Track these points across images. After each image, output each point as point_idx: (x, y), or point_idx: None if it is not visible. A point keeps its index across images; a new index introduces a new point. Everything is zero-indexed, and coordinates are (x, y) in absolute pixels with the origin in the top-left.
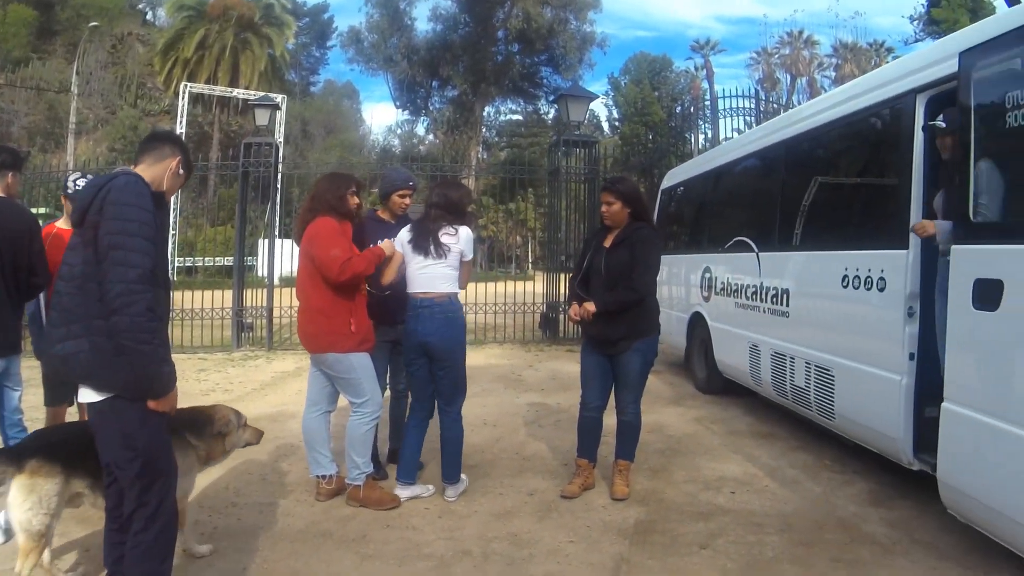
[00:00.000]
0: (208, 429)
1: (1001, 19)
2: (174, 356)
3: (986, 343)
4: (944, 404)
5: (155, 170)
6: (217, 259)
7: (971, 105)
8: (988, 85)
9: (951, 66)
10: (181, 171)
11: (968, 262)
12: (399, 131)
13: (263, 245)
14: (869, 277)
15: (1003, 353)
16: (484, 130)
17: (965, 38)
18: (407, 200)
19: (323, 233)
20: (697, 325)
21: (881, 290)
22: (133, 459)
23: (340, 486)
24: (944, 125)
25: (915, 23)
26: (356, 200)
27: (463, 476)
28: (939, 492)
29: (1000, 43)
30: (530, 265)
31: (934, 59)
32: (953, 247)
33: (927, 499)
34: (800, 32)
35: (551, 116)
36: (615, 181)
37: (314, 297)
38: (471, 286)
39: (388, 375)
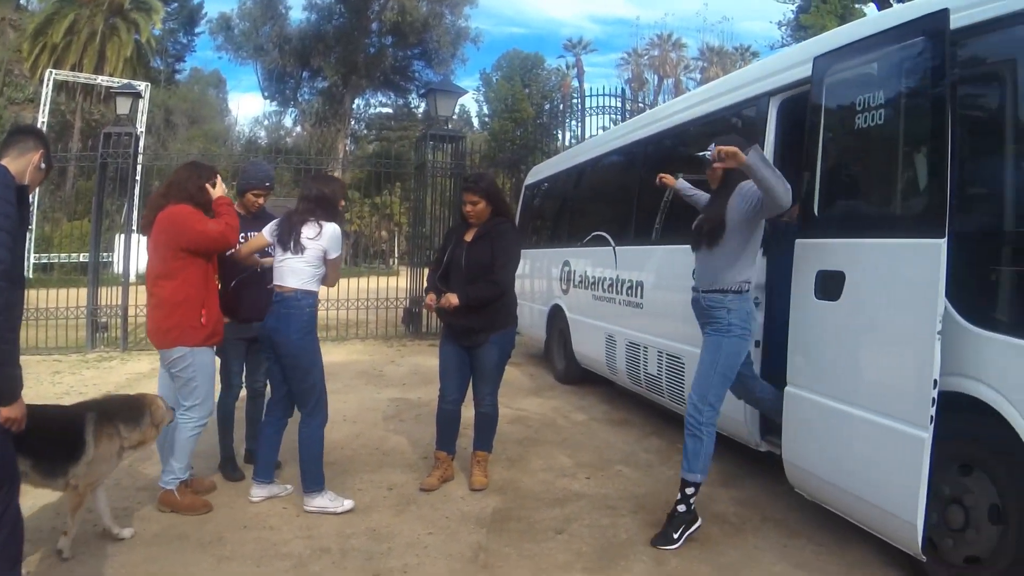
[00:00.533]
0: (145, 420)
1: (854, 27)
2: (28, 358)
3: (827, 331)
4: (787, 388)
5: (19, 164)
6: (74, 256)
7: (822, 107)
8: (839, 89)
9: (805, 70)
10: (43, 165)
11: (811, 255)
12: (266, 122)
13: (119, 240)
14: None
15: (843, 340)
16: (353, 123)
17: (819, 44)
18: (261, 200)
19: (185, 214)
20: (556, 317)
21: None
22: None
23: (203, 487)
24: (709, 156)
25: (783, 28)
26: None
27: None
28: (785, 471)
29: (852, 49)
30: (395, 260)
31: (789, 63)
32: (797, 240)
33: (775, 479)
34: (669, 35)
35: (421, 110)
36: (476, 179)
37: (167, 288)
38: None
39: (244, 374)
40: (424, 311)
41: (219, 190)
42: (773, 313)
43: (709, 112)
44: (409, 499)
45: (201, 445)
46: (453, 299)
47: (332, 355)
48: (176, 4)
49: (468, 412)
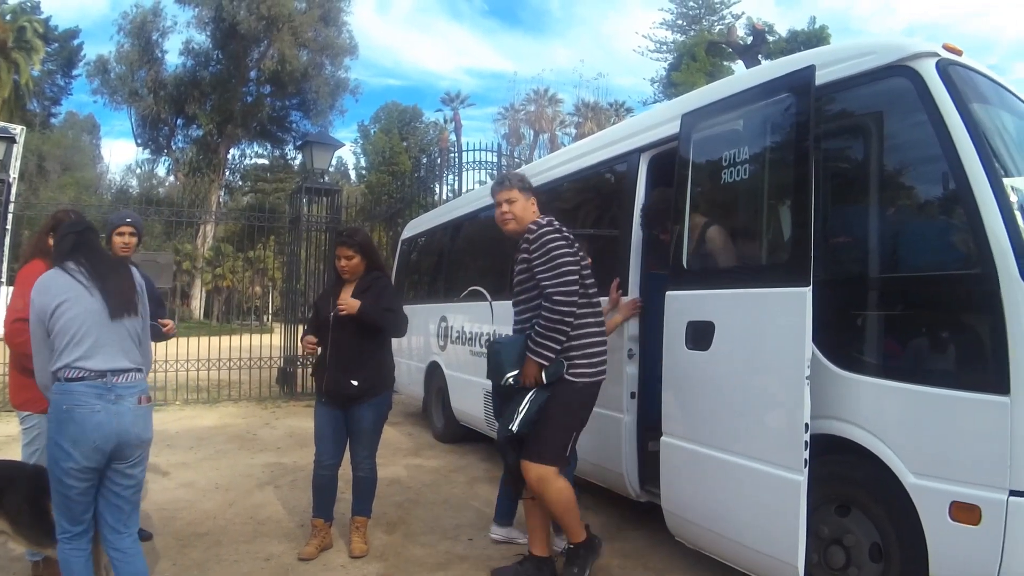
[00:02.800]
0: None
1: (723, 85)
2: None
3: (699, 380)
4: (663, 438)
5: None
6: None
7: (689, 162)
8: (706, 145)
9: (674, 127)
10: None
11: (682, 306)
12: (138, 171)
13: None
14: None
15: (715, 389)
16: (228, 173)
17: (687, 102)
18: (126, 239)
19: (19, 279)
20: (434, 374)
21: None
22: None
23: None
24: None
25: (655, 85)
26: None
27: None
28: (665, 521)
29: (719, 106)
30: (270, 317)
31: (659, 120)
32: (668, 292)
33: (658, 529)
34: (546, 90)
35: (298, 161)
36: (351, 233)
37: (14, 346)
38: (207, 340)
39: None
40: (300, 371)
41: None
42: (647, 364)
43: (583, 168)
44: (287, 569)
45: None
46: (351, 304)
47: (204, 419)
48: (56, 45)
49: (346, 475)
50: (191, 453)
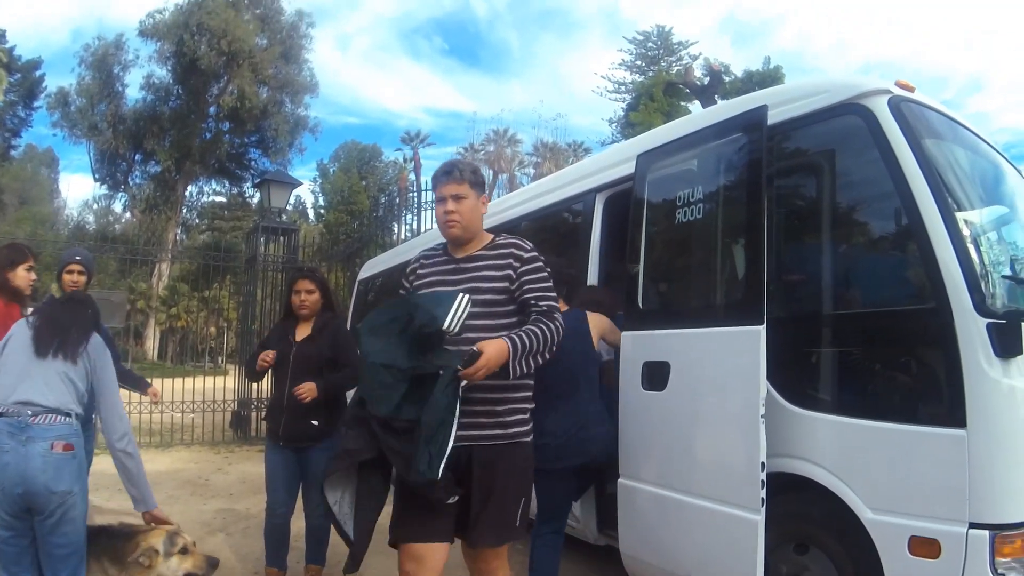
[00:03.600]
0: (130, 557)
1: (677, 125)
2: None
3: (656, 421)
4: (620, 480)
5: None
6: None
7: (644, 202)
8: (661, 185)
9: (629, 167)
10: None
11: (637, 346)
12: (95, 206)
13: None
14: None
15: (672, 429)
16: (185, 211)
17: (642, 142)
18: (75, 277)
19: None
20: None
21: None
22: None
23: None
24: None
25: (613, 125)
26: (29, 276)
27: None
28: (623, 564)
29: (674, 147)
30: (224, 358)
31: (614, 161)
32: (623, 333)
33: (616, 573)
34: (505, 130)
35: (256, 200)
36: (314, 269)
37: None
38: (160, 382)
39: None
40: (253, 414)
41: (21, 279)
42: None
43: (540, 207)
44: None
45: None
46: (310, 388)
47: (155, 463)
48: (18, 75)
49: (299, 523)
50: None
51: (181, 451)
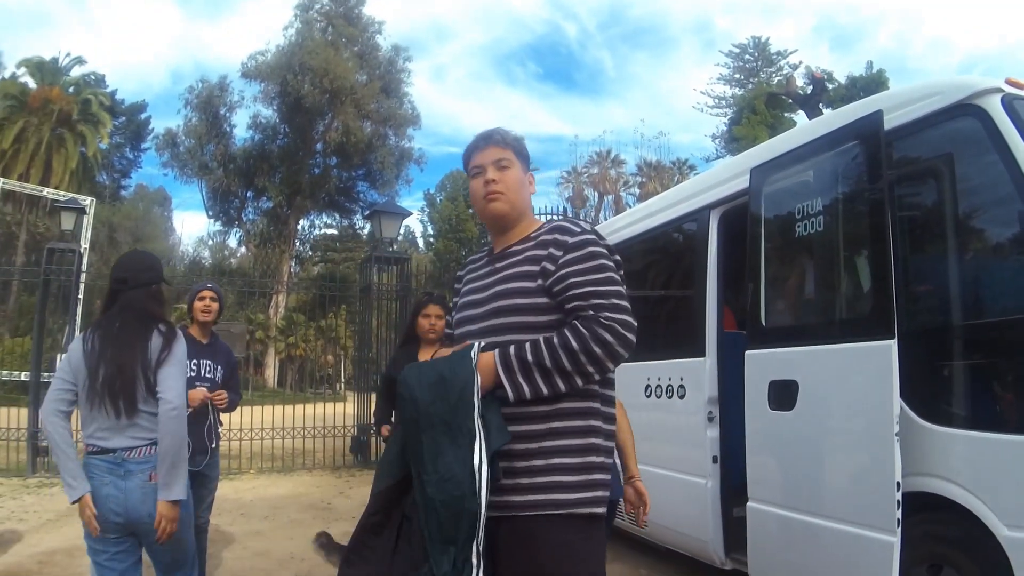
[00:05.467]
0: None
1: (789, 136)
2: None
3: (785, 442)
4: (749, 503)
5: None
6: (15, 374)
7: (761, 217)
8: (777, 198)
9: (743, 182)
10: None
11: (762, 365)
12: (210, 242)
13: (61, 361)
14: (670, 385)
15: (802, 450)
16: (298, 244)
17: (755, 156)
18: (207, 303)
19: None
20: None
21: (682, 397)
22: None
23: None
24: None
25: (716, 140)
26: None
27: None
28: None
29: (788, 158)
30: (342, 385)
31: (727, 176)
32: (747, 352)
33: None
34: (608, 151)
35: (366, 231)
36: (443, 295)
37: None
38: (280, 409)
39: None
40: (373, 439)
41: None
42: (728, 427)
43: (651, 227)
44: None
45: None
46: None
47: (278, 487)
48: (123, 118)
49: None
50: (265, 522)
51: (303, 476)
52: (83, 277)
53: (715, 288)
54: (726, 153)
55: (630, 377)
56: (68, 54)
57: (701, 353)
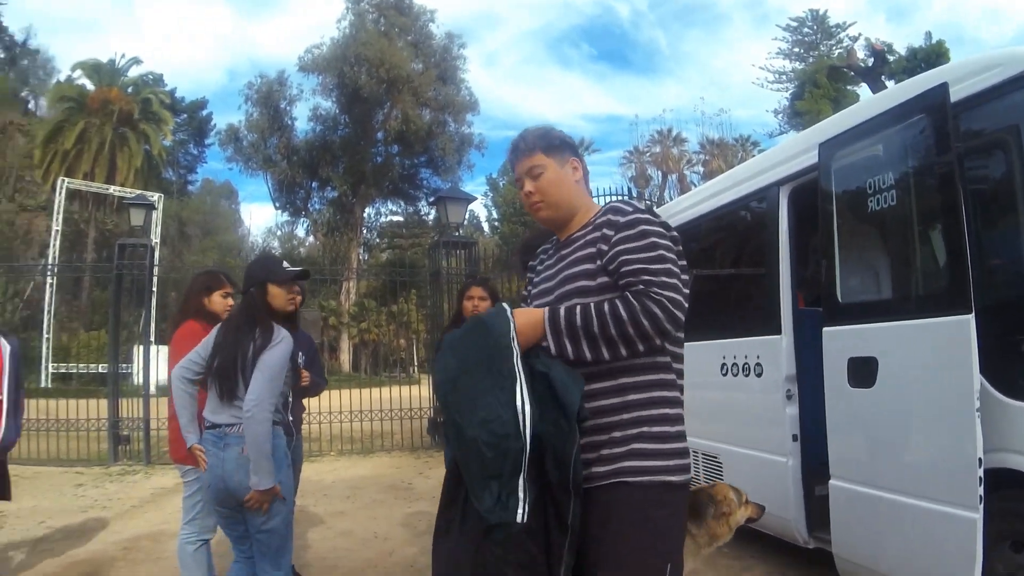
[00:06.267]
0: (711, 511)
1: (857, 109)
2: (50, 469)
3: (865, 419)
4: (831, 481)
5: None
6: (92, 366)
7: (832, 193)
8: (847, 173)
9: (811, 158)
10: None
11: (840, 342)
12: (279, 232)
13: (138, 352)
14: (747, 363)
15: (883, 427)
16: (365, 231)
17: (824, 130)
18: (292, 294)
19: (187, 334)
20: None
21: (759, 375)
22: None
23: None
24: None
25: (779, 116)
26: (225, 302)
27: None
28: (836, 567)
29: (855, 133)
30: (416, 368)
31: (795, 152)
32: (825, 329)
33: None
34: (669, 130)
35: (432, 217)
36: (486, 279)
37: (171, 402)
38: (357, 392)
39: None
40: None
41: (217, 304)
42: (807, 405)
43: (718, 207)
44: None
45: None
46: None
47: (358, 468)
48: (185, 115)
49: None
50: (348, 502)
51: (382, 457)
52: (156, 271)
53: (788, 266)
54: (789, 128)
55: (705, 356)
56: (123, 55)
57: (777, 331)
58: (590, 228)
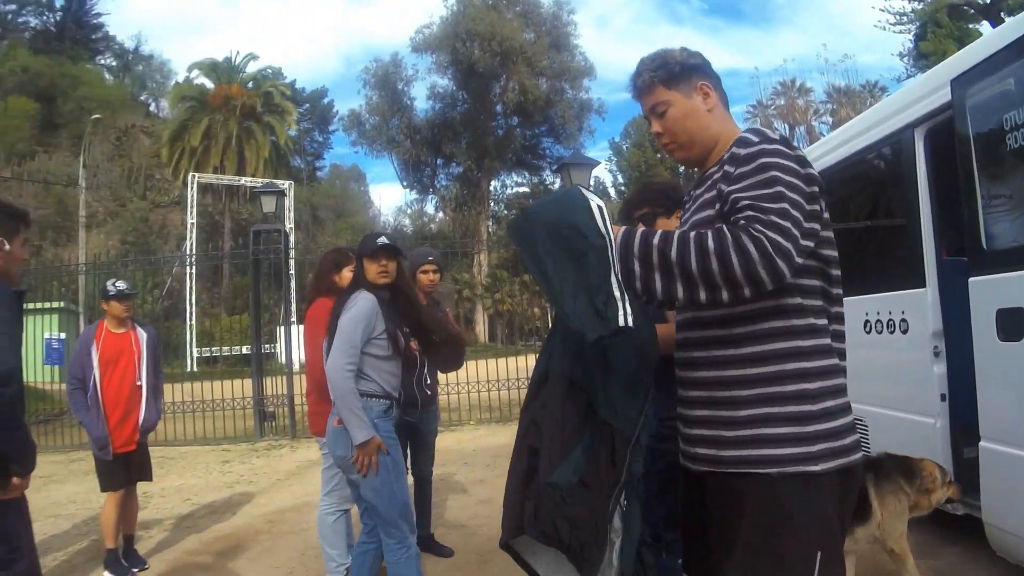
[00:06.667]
0: (917, 482)
1: (987, 41)
2: (197, 448)
3: (1017, 376)
4: (982, 443)
5: None
6: (235, 348)
7: (969, 133)
8: (982, 111)
9: (944, 95)
10: (7, 247)
11: (988, 293)
12: (409, 210)
13: (281, 332)
14: (891, 320)
15: None
16: (492, 204)
17: (954, 65)
18: (430, 276)
19: (309, 317)
20: None
21: (904, 332)
22: None
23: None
24: None
25: (904, 59)
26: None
27: None
28: (985, 535)
29: (990, 65)
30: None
31: (926, 91)
32: (971, 279)
33: (975, 544)
34: (793, 81)
35: (557, 185)
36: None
37: (310, 377)
38: (494, 362)
39: (408, 459)
40: None
41: (347, 280)
42: (955, 362)
43: (847, 156)
44: None
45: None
46: None
47: (498, 437)
48: (307, 105)
49: None
50: (488, 470)
51: None
52: (291, 254)
53: (929, 213)
54: (916, 72)
55: (847, 313)
56: (238, 53)
57: (921, 283)
58: (717, 166)
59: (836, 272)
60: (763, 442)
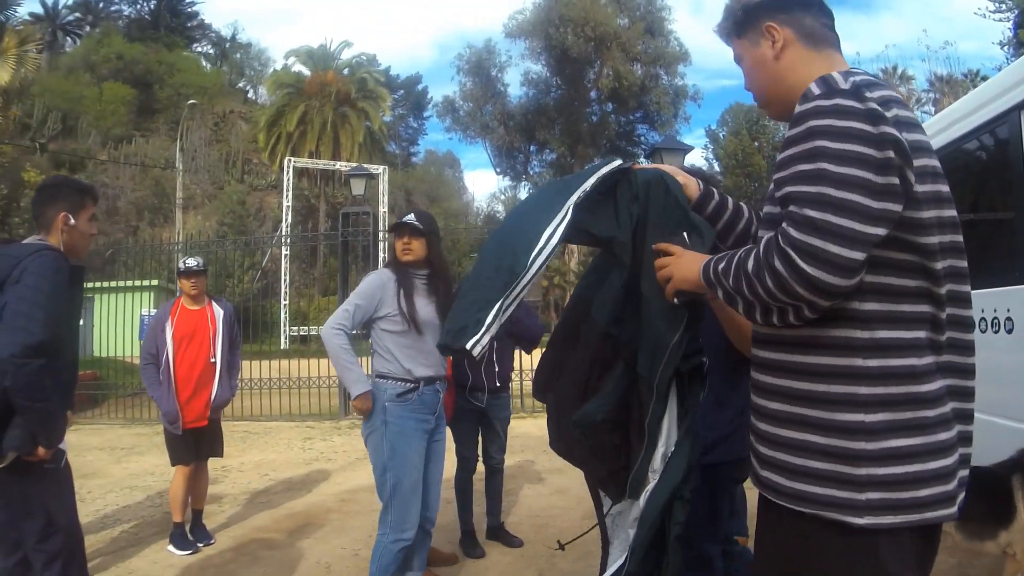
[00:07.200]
0: None
1: None
2: (281, 424)
3: None
4: None
5: (53, 239)
6: None
7: None
8: None
9: None
10: (71, 222)
11: None
12: (502, 197)
13: None
14: (995, 318)
15: None
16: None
17: None
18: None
19: None
20: None
21: (1009, 331)
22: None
23: (440, 558)
24: None
25: (1005, 48)
26: None
27: None
28: None
29: None
30: None
31: None
32: None
33: None
34: (894, 68)
35: None
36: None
37: None
38: None
39: (480, 447)
40: None
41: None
42: None
43: (950, 141)
44: None
45: (443, 518)
46: None
47: None
48: (401, 92)
49: None
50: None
51: None
52: (381, 234)
53: None
54: (1016, 60)
55: None
56: (333, 40)
57: None
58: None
59: (942, 264)
60: (799, 473)
